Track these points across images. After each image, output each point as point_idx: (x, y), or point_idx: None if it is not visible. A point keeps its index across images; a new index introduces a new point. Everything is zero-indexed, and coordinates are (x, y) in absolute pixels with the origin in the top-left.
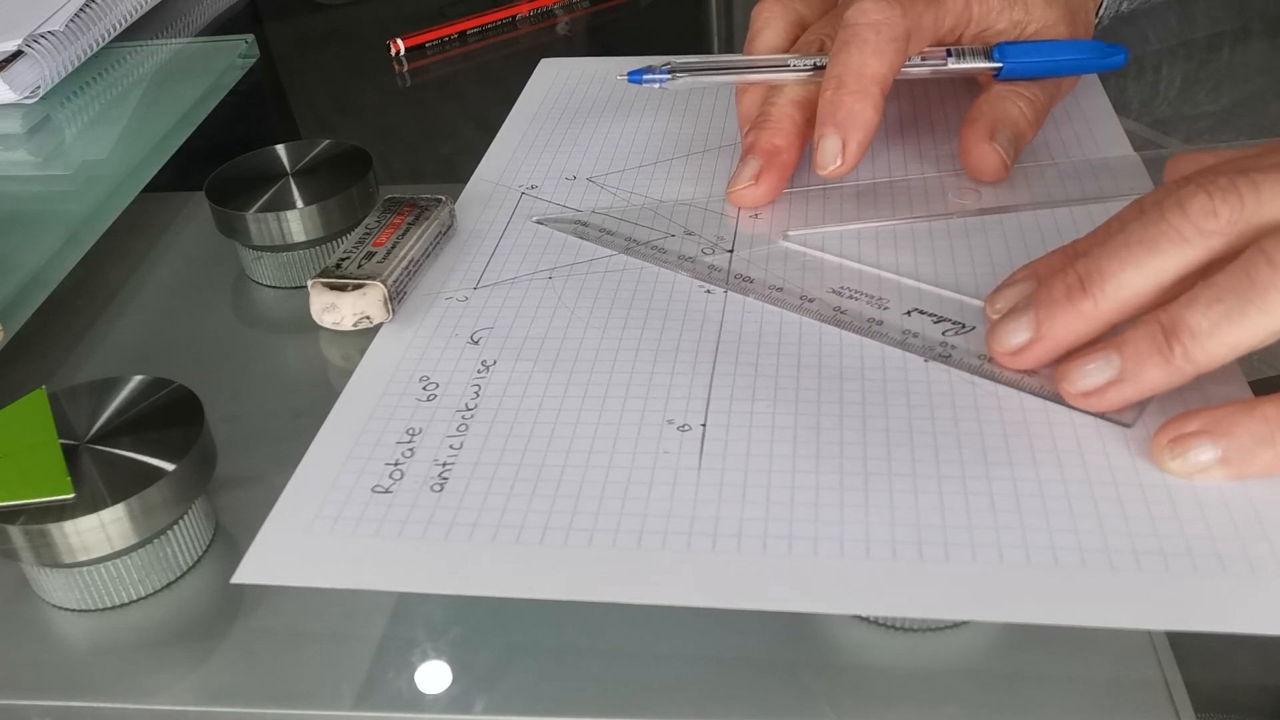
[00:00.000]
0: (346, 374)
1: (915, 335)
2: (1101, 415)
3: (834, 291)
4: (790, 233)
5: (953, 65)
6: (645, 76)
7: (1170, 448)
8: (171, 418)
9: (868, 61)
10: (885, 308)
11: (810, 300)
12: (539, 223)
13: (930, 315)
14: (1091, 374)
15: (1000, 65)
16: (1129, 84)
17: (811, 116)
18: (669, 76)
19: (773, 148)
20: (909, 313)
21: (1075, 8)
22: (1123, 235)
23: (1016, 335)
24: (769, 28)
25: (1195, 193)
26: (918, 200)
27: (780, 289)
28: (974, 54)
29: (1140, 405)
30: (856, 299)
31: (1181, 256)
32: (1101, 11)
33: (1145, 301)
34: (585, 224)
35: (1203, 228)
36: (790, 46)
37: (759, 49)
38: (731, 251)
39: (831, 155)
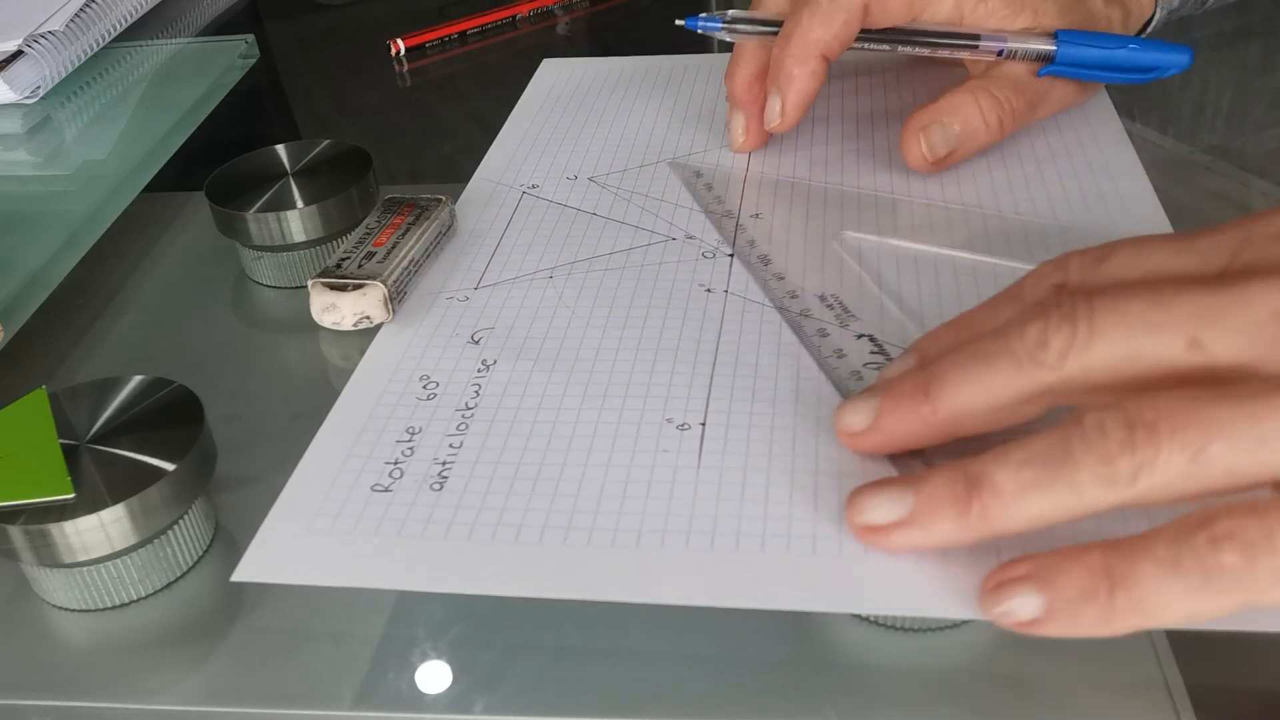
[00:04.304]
0: (346, 374)
1: (843, 355)
2: None
3: (818, 297)
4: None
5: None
6: (701, 24)
7: (993, 594)
8: (171, 418)
9: (814, 28)
10: (845, 325)
11: (794, 296)
12: None
13: (880, 343)
14: (878, 508)
15: (1053, 49)
16: (1127, 84)
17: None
18: (721, 27)
19: (749, 97)
20: (860, 336)
21: (1103, 22)
22: (975, 345)
23: (856, 418)
24: None
25: (1036, 316)
26: (959, 232)
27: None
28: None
29: None
30: (832, 308)
31: (1014, 382)
32: (1156, 13)
33: (982, 418)
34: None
35: (1035, 356)
36: None
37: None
38: (732, 255)
39: (772, 114)
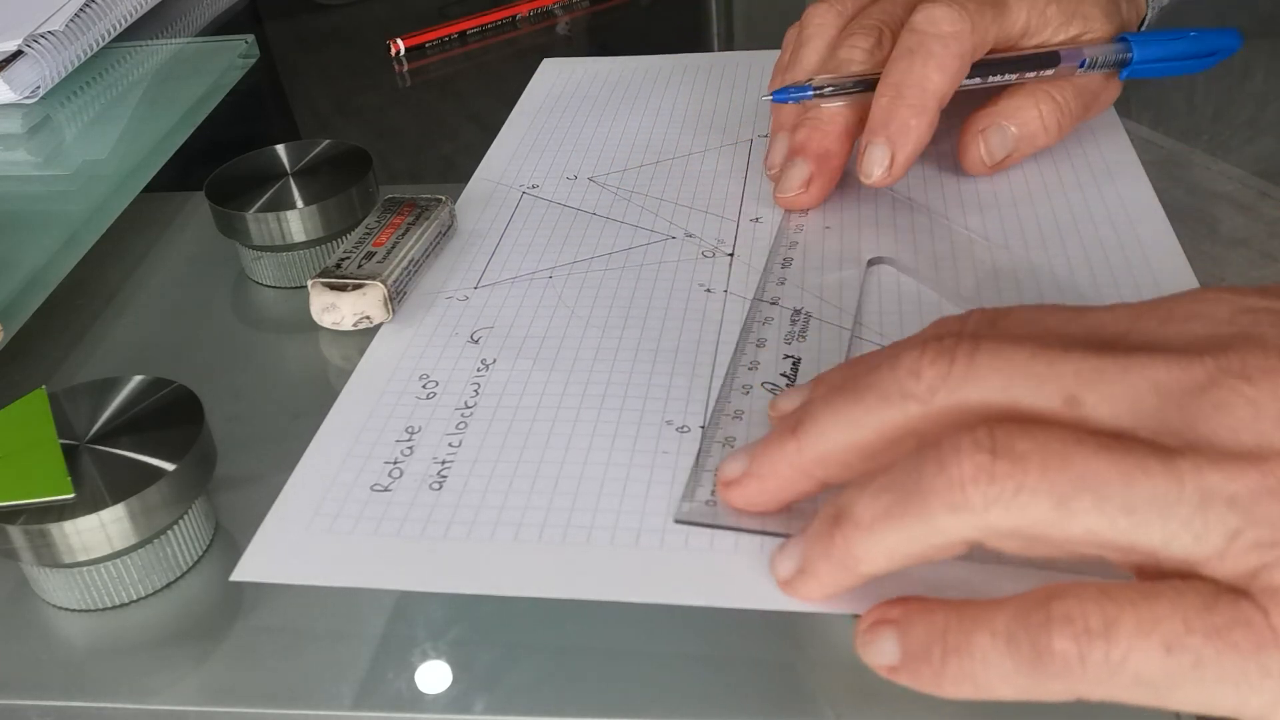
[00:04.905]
0: (346, 374)
1: (755, 367)
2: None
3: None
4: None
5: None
6: (792, 95)
7: (866, 633)
8: (171, 418)
9: (930, 75)
10: (788, 343)
11: (774, 304)
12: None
13: (799, 372)
14: (783, 561)
15: (1129, 54)
16: (1126, 83)
17: (862, 117)
18: (813, 94)
19: (824, 151)
20: (786, 357)
21: (1127, 23)
22: (849, 381)
23: (732, 466)
24: (819, 35)
25: (912, 347)
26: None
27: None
28: (1104, 61)
29: None
30: (796, 323)
31: (879, 417)
32: (1147, 14)
33: (847, 457)
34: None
35: (904, 388)
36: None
37: (807, 56)
38: (732, 255)
39: (877, 164)
